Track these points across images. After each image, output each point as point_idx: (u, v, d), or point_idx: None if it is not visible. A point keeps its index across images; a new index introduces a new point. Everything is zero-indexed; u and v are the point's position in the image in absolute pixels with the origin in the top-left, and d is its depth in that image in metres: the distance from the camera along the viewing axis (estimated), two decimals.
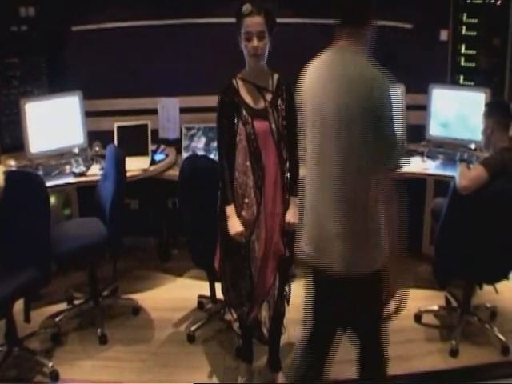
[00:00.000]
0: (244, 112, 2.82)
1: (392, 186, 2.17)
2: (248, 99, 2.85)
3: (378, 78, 2.15)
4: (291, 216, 2.92)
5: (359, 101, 2.13)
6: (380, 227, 2.24)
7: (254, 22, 2.73)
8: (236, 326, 3.13)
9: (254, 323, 3.05)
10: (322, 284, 2.41)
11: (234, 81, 2.88)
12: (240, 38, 2.78)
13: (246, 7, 2.73)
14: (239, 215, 2.88)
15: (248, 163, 2.84)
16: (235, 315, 3.08)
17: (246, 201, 2.87)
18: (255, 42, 2.74)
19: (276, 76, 2.92)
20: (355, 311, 2.36)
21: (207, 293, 3.84)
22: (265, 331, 3.06)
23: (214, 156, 4.29)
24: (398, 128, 2.16)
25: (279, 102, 2.87)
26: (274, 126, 2.84)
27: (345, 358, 3.45)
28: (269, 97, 2.87)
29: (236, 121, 2.82)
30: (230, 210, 2.86)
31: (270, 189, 2.88)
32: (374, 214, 2.23)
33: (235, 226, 2.84)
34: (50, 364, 3.31)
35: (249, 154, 2.83)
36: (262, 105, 2.86)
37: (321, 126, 2.27)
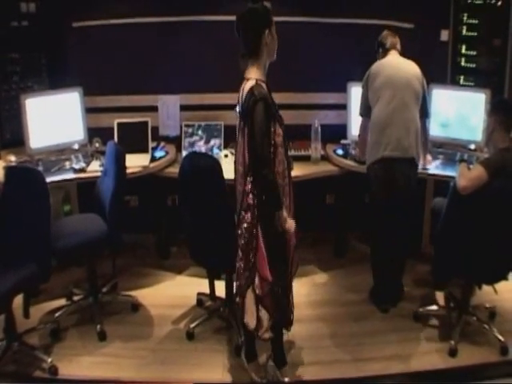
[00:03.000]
0: (277, 114, 2.86)
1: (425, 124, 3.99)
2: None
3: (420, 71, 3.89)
4: None
5: (417, 80, 3.81)
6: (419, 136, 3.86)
7: None
8: (268, 335, 3.00)
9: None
10: (388, 166, 3.78)
11: (261, 83, 2.83)
12: (269, 34, 2.81)
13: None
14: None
15: (286, 164, 2.90)
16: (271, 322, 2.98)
17: (285, 201, 2.91)
18: None
19: None
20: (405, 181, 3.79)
21: (206, 290, 3.84)
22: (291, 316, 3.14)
23: (215, 154, 4.31)
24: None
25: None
26: None
27: (346, 359, 3.50)
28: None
29: (273, 124, 2.80)
30: (285, 212, 2.86)
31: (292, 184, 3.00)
32: (418, 129, 3.83)
33: (292, 223, 2.91)
34: (49, 359, 3.31)
35: (285, 155, 2.88)
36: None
37: (396, 89, 3.77)
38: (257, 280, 2.88)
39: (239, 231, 2.92)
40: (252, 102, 2.73)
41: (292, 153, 4.30)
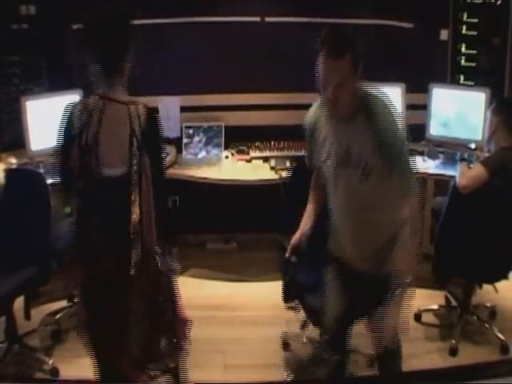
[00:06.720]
0: None
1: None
2: None
3: None
4: None
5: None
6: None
7: None
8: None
9: None
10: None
11: None
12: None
13: None
14: None
15: None
16: None
17: None
18: None
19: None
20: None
21: (208, 291, 3.84)
22: None
23: (215, 156, 4.30)
24: None
25: None
26: None
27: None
28: None
29: None
30: None
31: None
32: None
33: None
34: (50, 361, 3.32)
35: None
36: None
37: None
38: None
39: None
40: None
41: (292, 153, 4.30)
